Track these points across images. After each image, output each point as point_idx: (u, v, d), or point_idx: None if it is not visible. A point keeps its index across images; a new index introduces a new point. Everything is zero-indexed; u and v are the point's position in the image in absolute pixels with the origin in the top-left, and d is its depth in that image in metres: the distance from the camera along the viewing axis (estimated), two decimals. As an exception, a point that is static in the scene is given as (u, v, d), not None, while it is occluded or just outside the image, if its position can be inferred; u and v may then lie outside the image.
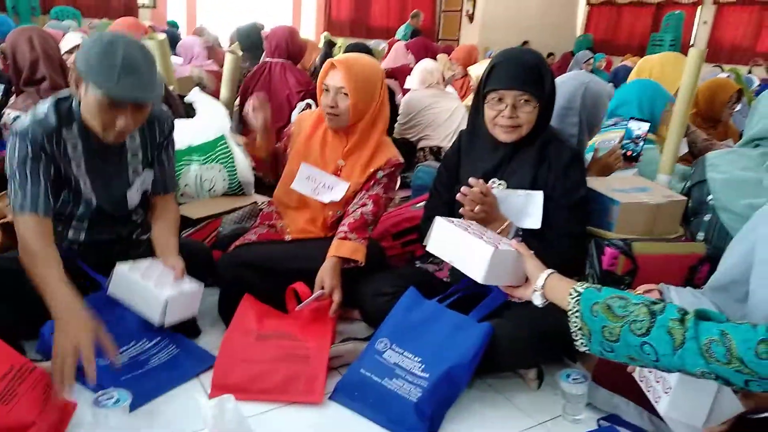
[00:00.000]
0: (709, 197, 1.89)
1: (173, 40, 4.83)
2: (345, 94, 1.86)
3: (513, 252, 1.30)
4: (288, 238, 1.97)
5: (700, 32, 11.14)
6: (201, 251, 1.92)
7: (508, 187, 1.74)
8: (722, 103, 2.97)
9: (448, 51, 5.97)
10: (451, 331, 1.56)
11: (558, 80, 1.89)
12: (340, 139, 1.95)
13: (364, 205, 1.88)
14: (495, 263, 1.26)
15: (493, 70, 1.70)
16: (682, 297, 1.38)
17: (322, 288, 1.74)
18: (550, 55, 10.45)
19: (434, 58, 4.98)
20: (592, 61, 7.05)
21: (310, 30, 10.84)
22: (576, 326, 1.13)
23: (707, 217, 1.88)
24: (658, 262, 1.71)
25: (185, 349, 1.69)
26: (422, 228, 1.88)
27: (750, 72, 8.46)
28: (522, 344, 1.56)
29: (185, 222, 2.22)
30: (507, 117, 1.66)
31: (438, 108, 3.68)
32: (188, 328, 1.77)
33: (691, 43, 11.14)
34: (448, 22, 12.42)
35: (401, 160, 1.98)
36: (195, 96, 2.70)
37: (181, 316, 1.64)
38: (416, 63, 4.06)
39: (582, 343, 1.13)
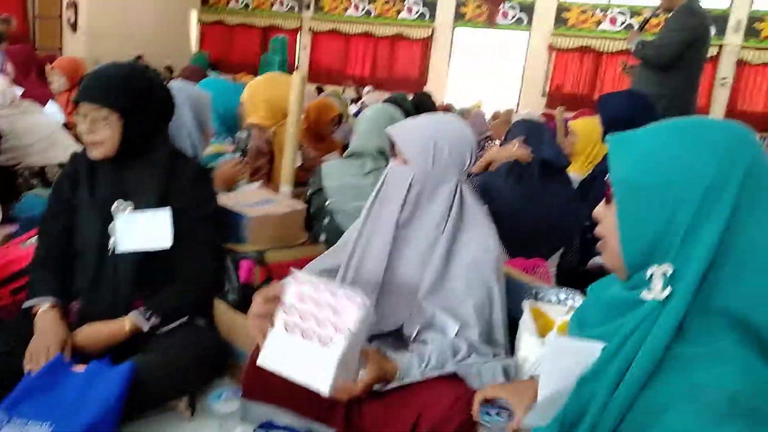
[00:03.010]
0: (327, 202, 2.14)
1: None
2: None
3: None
4: None
5: (302, 56, 12.54)
6: None
7: (135, 209, 1.63)
8: (327, 122, 3.40)
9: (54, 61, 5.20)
10: (85, 383, 1.38)
11: None
12: None
13: None
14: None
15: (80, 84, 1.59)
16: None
17: None
18: (168, 68, 10.25)
19: (41, 68, 4.31)
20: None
21: None
22: None
23: (326, 221, 2.13)
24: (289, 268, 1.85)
25: None
26: (32, 281, 1.62)
27: (344, 92, 9.93)
28: (168, 375, 1.48)
29: None
30: (85, 133, 1.55)
31: (22, 125, 3.16)
32: None
33: (296, 65, 12.44)
34: (46, 30, 10.96)
35: None
36: None
37: None
38: (17, 74, 3.41)
39: None
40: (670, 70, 3.45)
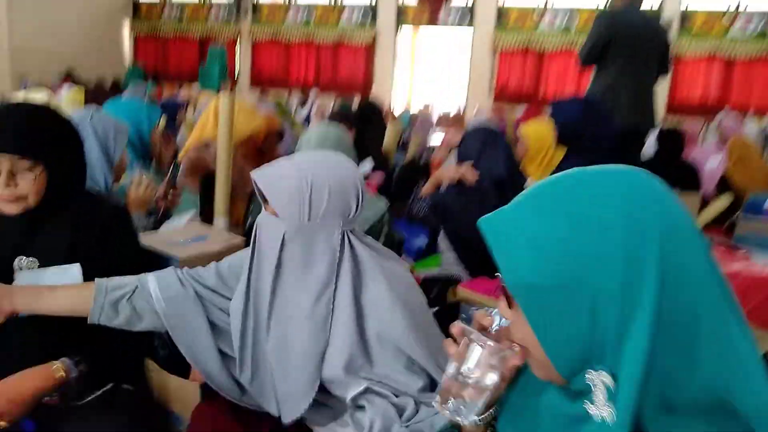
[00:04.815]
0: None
1: None
2: None
3: None
4: None
5: (243, 64, 12.19)
6: None
7: (41, 265, 1.40)
8: (268, 137, 3.14)
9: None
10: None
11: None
12: None
13: None
14: None
15: None
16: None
17: None
18: (100, 81, 9.80)
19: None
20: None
21: None
22: None
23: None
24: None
25: None
26: None
27: (289, 97, 9.68)
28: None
29: None
30: (3, 186, 1.30)
31: None
32: None
33: (237, 74, 12.09)
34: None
35: None
36: None
37: None
38: None
39: None
40: (596, 69, 3.69)
